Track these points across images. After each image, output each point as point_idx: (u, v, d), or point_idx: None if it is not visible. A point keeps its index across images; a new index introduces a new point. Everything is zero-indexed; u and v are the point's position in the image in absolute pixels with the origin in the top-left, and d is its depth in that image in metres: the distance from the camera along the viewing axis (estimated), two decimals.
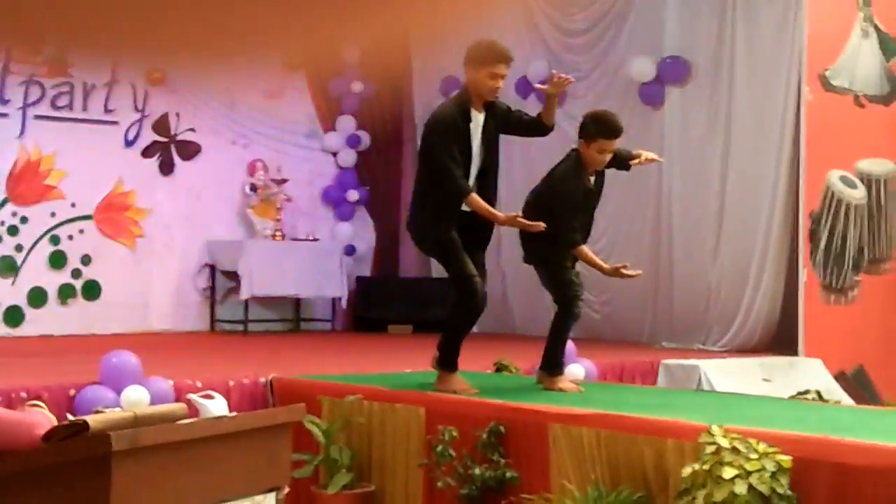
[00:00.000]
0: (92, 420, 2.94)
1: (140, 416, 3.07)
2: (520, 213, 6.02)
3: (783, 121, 9.46)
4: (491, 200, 6.12)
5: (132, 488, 2.93)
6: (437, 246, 6.16)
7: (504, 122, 6.23)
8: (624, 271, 6.32)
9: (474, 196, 5.97)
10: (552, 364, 6.35)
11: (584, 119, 6.29)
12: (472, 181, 6.05)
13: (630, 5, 10.75)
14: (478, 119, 6.09)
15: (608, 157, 6.25)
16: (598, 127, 6.20)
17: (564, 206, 6.15)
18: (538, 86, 6.23)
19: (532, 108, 11.36)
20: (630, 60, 10.50)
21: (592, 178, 6.32)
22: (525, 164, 10.51)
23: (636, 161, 6.49)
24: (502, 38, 11.82)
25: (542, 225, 5.92)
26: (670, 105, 10.36)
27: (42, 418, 3.04)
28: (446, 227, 6.02)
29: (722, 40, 9.95)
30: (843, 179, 9.50)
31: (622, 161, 6.46)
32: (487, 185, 6.13)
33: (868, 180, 9.67)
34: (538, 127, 6.33)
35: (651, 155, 6.48)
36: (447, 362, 6.15)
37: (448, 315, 6.24)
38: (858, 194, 9.59)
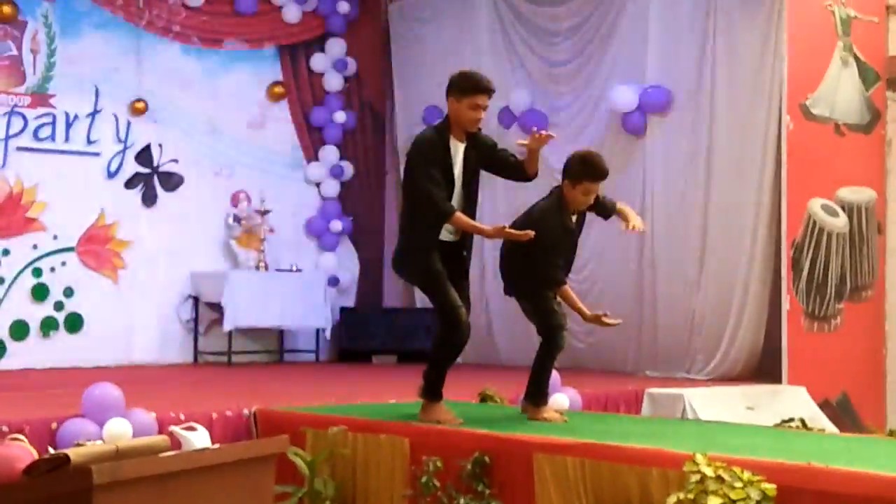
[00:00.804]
0: (73, 454, 2.91)
1: (122, 449, 3.05)
2: (506, 225, 5.98)
3: (764, 149, 9.50)
4: (471, 241, 6.13)
5: None
6: (422, 275, 6.14)
7: (488, 157, 6.21)
8: (605, 319, 6.27)
9: (458, 215, 5.96)
10: (537, 394, 6.33)
11: (571, 159, 6.25)
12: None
13: (612, 35, 10.80)
14: (457, 148, 6.08)
15: (592, 198, 6.23)
16: (585, 169, 6.17)
17: (546, 245, 6.11)
18: (520, 142, 6.19)
19: (514, 137, 11.44)
20: (612, 90, 10.54)
21: (574, 218, 6.30)
22: (507, 194, 10.52)
23: (622, 220, 6.38)
24: (484, 68, 11.95)
25: (530, 233, 5.86)
26: (652, 134, 10.41)
27: (22, 452, 3.01)
28: (430, 255, 5.99)
29: (703, 69, 10.00)
30: (825, 208, 9.54)
31: (604, 210, 6.42)
32: (467, 215, 6.08)
33: (849, 208, 9.71)
34: (521, 172, 6.26)
35: (638, 223, 6.35)
36: (431, 392, 6.12)
37: (432, 345, 6.23)
38: (840, 222, 9.63)
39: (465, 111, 6.02)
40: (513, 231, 5.94)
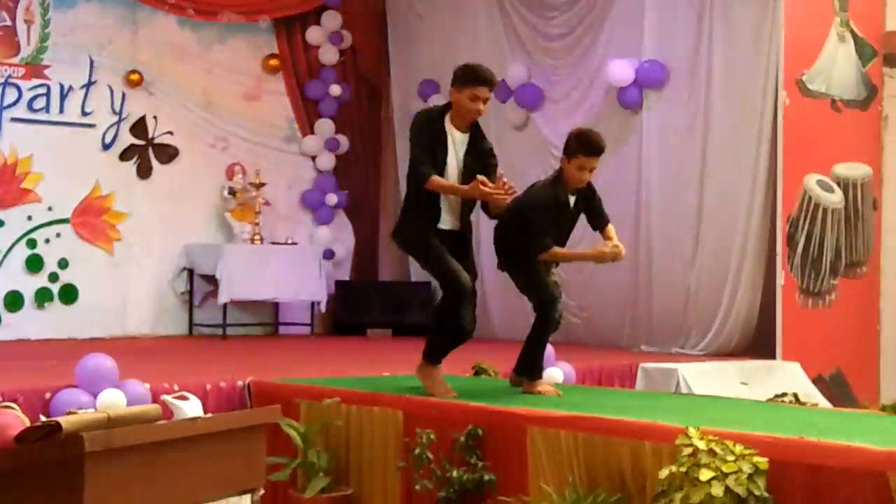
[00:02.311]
0: (65, 421, 2.92)
1: (114, 418, 3.05)
2: (483, 180, 5.94)
3: (760, 125, 9.48)
4: (467, 222, 6.20)
5: (105, 490, 2.91)
6: (420, 248, 6.20)
7: (484, 159, 6.18)
8: (606, 249, 6.28)
9: (435, 178, 6.01)
10: (531, 368, 6.35)
11: (569, 136, 6.29)
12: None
13: (608, 9, 10.76)
14: (455, 136, 6.13)
15: (588, 175, 6.23)
16: (580, 144, 6.18)
17: (537, 212, 6.17)
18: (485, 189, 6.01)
19: (511, 111, 11.42)
20: (608, 64, 10.51)
21: (573, 199, 6.31)
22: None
23: (605, 239, 6.39)
24: (480, 42, 11.92)
25: (507, 193, 5.91)
26: (648, 109, 10.38)
27: (14, 420, 3.02)
28: (429, 232, 6.05)
29: (699, 44, 9.97)
30: (821, 184, 9.53)
31: (599, 219, 6.45)
32: (466, 213, 6.17)
33: (845, 184, 9.70)
34: (487, 203, 6.14)
35: (618, 250, 6.30)
36: (431, 355, 6.18)
37: (437, 311, 6.31)
38: (836, 198, 9.63)
39: (465, 102, 6.07)
40: (488, 189, 5.90)
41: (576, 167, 6.19)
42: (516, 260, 6.32)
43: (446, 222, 6.13)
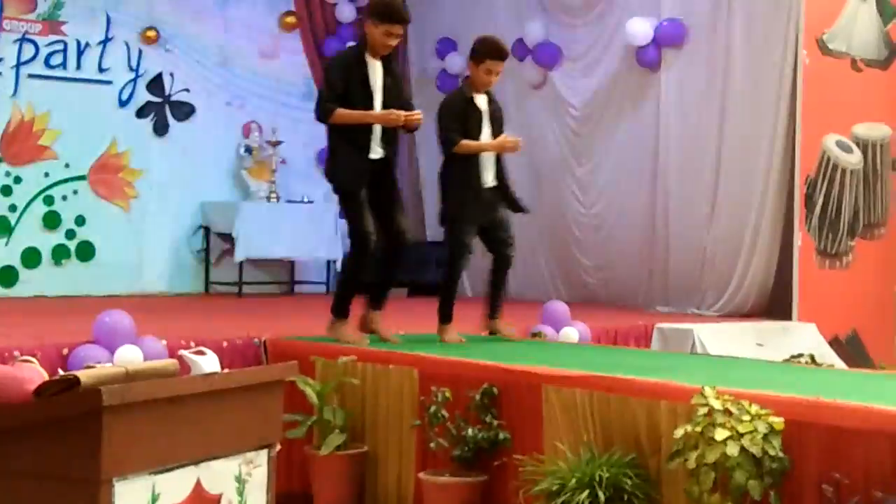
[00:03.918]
0: (83, 375, 2.92)
1: (131, 372, 3.06)
2: (394, 111, 6.44)
3: (780, 85, 9.41)
4: (394, 154, 6.63)
5: (123, 443, 2.92)
6: (345, 196, 6.63)
7: (400, 85, 6.76)
8: (507, 140, 6.83)
9: (340, 110, 6.38)
10: (439, 314, 6.84)
11: (475, 42, 6.85)
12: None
13: None
14: (375, 66, 6.51)
15: (495, 78, 6.76)
16: (485, 48, 6.76)
17: (444, 110, 6.78)
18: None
19: (528, 70, 11.35)
20: (627, 23, 10.44)
21: (485, 101, 6.81)
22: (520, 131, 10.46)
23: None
24: (498, 0, 11.82)
25: (417, 113, 6.49)
26: (667, 68, 10.31)
27: (33, 373, 3.02)
28: (356, 176, 6.48)
29: (719, 3, 9.88)
30: (840, 144, 9.48)
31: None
32: (392, 140, 6.57)
33: (864, 145, 9.64)
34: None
35: (516, 142, 6.87)
36: (338, 310, 6.67)
37: (343, 267, 7.03)
38: (854, 159, 9.57)
39: (378, 37, 6.46)
40: (397, 113, 6.40)
41: (483, 71, 6.73)
42: (449, 213, 6.84)
43: (376, 151, 6.51)
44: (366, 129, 6.44)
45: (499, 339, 7.03)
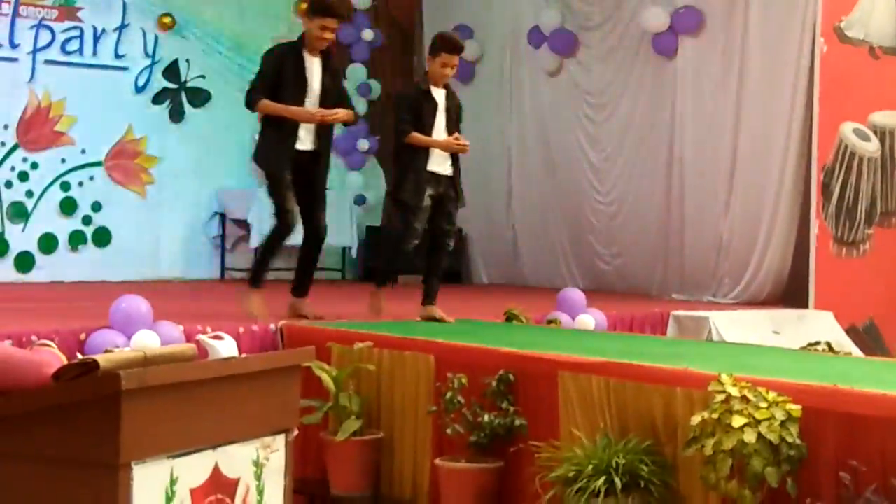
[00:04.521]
0: (102, 359, 2.92)
1: (150, 356, 3.06)
2: (310, 110, 6.77)
3: (797, 72, 9.38)
4: (325, 148, 6.90)
5: (141, 428, 2.92)
6: (269, 176, 6.91)
7: (339, 81, 7.09)
8: (454, 141, 6.99)
9: (264, 101, 6.69)
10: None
11: (433, 38, 7.16)
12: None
13: None
14: (312, 62, 6.77)
15: (450, 71, 7.02)
16: (442, 43, 7.03)
17: (398, 100, 7.23)
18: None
19: (544, 58, 11.32)
20: (643, 10, 10.41)
21: (443, 95, 7.04)
22: (534, 125, 10.44)
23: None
24: None
25: (339, 112, 6.76)
26: (683, 56, 10.28)
27: (51, 357, 3.03)
28: (281, 159, 6.76)
29: None
30: (857, 132, 9.44)
31: (454, 126, 7.14)
32: (324, 134, 6.86)
33: (881, 133, 9.60)
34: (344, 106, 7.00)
35: (463, 144, 7.05)
36: (253, 279, 7.22)
37: (264, 241, 7.38)
38: (872, 147, 9.53)
39: (315, 31, 6.71)
40: (317, 111, 6.72)
41: (439, 64, 6.97)
42: (396, 199, 7.22)
43: (304, 142, 6.76)
44: (293, 120, 6.74)
45: (513, 326, 7.03)
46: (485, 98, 11.71)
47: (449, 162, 7.08)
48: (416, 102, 7.01)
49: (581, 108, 11.07)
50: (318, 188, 6.99)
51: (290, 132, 6.73)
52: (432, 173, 7.00)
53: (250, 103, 6.80)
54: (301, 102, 6.74)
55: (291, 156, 6.77)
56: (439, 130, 7.02)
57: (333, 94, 6.87)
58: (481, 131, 11.59)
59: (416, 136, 6.95)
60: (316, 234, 7.10)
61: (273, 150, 6.83)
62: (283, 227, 6.94)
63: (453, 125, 7.08)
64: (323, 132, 6.85)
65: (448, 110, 7.07)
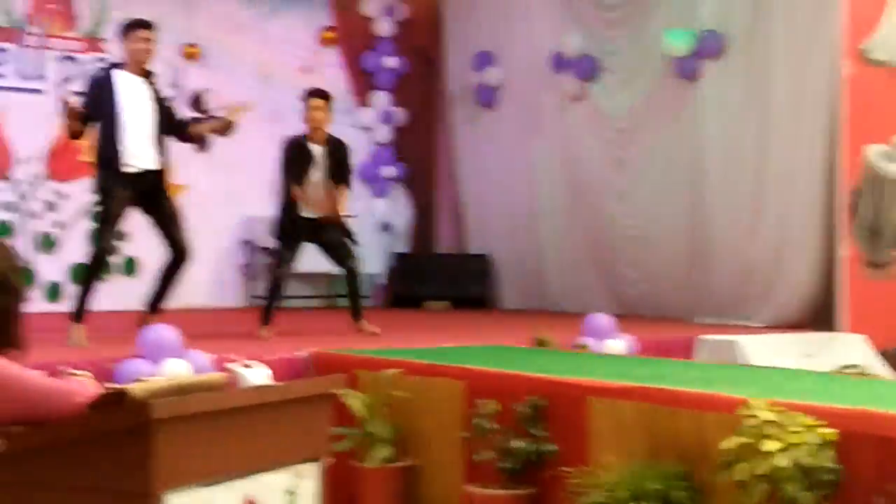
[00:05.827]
0: (136, 388, 2.93)
1: (181, 385, 3.06)
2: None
3: (821, 95, 9.35)
4: (159, 159, 7.29)
5: (173, 457, 2.92)
6: (102, 194, 7.25)
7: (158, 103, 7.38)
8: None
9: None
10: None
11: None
12: (125, 132, 7.10)
13: None
14: (128, 81, 7.15)
15: (320, 114, 8.50)
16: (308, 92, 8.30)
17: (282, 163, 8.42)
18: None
19: (567, 83, 11.32)
20: (665, 34, 10.41)
21: (325, 149, 8.25)
22: (559, 144, 10.42)
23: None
24: (535, 12, 11.84)
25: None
26: (706, 79, 10.27)
27: (80, 386, 3.04)
28: (113, 190, 7.12)
29: (758, 13, 9.84)
30: (882, 154, 9.40)
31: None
32: (155, 151, 7.29)
33: None
34: (181, 130, 7.63)
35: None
36: (76, 314, 7.40)
37: (82, 276, 7.67)
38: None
39: (131, 46, 7.20)
40: (203, 127, 7.76)
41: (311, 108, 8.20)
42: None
43: (130, 165, 7.13)
44: (110, 145, 7.04)
45: (541, 351, 7.02)
46: (508, 123, 11.72)
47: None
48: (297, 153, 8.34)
49: (605, 132, 11.07)
50: (167, 209, 7.59)
51: (111, 155, 7.19)
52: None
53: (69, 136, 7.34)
54: (116, 124, 7.16)
55: (120, 179, 7.18)
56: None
57: (164, 114, 7.47)
58: (506, 157, 11.61)
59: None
60: (180, 255, 7.76)
61: (103, 178, 7.26)
62: (96, 264, 7.51)
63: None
64: (154, 149, 7.33)
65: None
